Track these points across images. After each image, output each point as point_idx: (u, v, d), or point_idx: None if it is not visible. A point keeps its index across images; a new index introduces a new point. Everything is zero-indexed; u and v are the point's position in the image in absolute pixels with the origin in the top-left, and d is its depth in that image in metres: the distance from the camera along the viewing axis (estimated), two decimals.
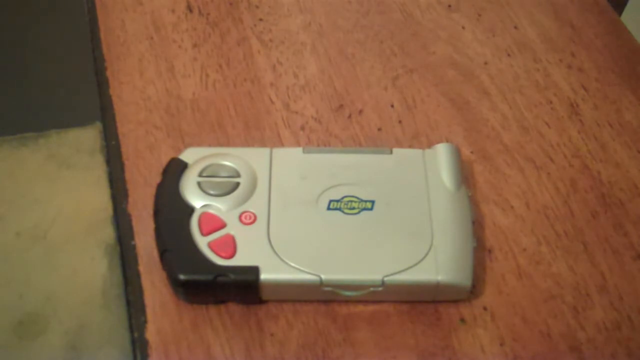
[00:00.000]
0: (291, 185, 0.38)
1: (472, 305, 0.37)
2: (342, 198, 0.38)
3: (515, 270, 0.38)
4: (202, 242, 0.36)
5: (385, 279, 0.35)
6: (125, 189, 0.41)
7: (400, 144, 0.43)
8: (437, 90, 0.46)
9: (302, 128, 0.44)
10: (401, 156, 0.40)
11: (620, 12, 0.70)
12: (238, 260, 0.35)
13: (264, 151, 0.40)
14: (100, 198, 1.10)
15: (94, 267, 1.04)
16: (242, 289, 0.36)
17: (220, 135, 0.44)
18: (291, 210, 0.37)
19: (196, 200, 0.37)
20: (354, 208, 0.37)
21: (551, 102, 0.46)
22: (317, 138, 0.44)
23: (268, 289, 0.36)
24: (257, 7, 0.50)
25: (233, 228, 0.37)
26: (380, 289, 0.35)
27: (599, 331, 0.36)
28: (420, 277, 0.35)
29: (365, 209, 0.37)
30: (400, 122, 0.45)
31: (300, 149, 0.40)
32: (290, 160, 0.39)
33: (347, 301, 0.37)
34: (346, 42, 0.49)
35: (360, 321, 0.37)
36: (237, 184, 0.38)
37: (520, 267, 0.38)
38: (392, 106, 0.45)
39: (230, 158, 0.39)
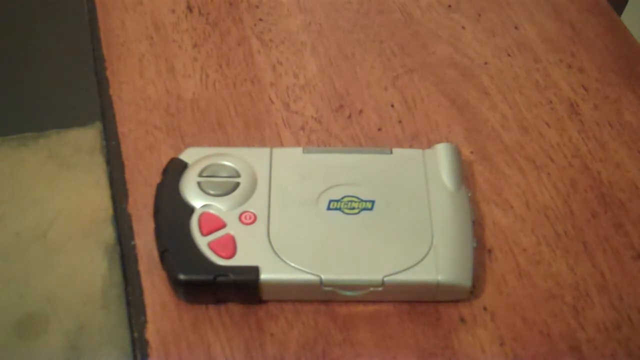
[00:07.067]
0: (291, 185, 0.38)
1: (472, 305, 0.37)
2: (342, 198, 0.38)
3: (515, 270, 0.38)
4: (202, 242, 0.36)
5: (385, 279, 0.35)
6: (125, 189, 0.41)
7: (400, 144, 0.43)
8: (437, 90, 0.46)
9: (302, 128, 0.44)
10: (401, 156, 0.40)
11: (620, 12, 0.70)
12: (238, 260, 0.35)
13: (264, 151, 0.40)
14: (100, 198, 1.10)
15: (94, 267, 1.03)
16: (242, 289, 0.36)
17: (220, 135, 0.44)
18: (291, 210, 0.37)
19: (196, 200, 0.37)
20: (354, 208, 0.37)
21: (551, 102, 0.46)
22: (317, 138, 0.44)
23: (268, 289, 0.36)
24: (257, 7, 0.50)
25: (233, 228, 0.37)
26: (380, 289, 0.35)
27: (599, 331, 0.36)
28: (420, 277, 0.35)
29: (365, 209, 0.37)
30: (400, 122, 0.45)
31: (300, 149, 0.40)
32: (290, 160, 0.39)
33: (347, 301, 0.37)
34: (346, 42, 0.49)
35: (360, 321, 0.37)
36: (237, 184, 0.38)
37: (520, 267, 0.38)
38: (392, 106, 0.45)
39: (230, 158, 0.39)
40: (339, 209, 0.37)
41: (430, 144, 0.42)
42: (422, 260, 0.36)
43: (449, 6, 0.51)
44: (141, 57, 0.47)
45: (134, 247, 0.39)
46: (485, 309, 0.37)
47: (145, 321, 0.36)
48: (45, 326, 0.99)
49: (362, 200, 0.38)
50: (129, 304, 0.37)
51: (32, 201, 1.11)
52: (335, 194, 0.38)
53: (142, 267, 0.38)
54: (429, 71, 0.47)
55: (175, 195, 0.38)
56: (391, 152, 0.40)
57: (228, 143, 0.43)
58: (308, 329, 0.36)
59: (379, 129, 0.44)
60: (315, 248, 0.36)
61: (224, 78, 0.46)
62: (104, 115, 0.45)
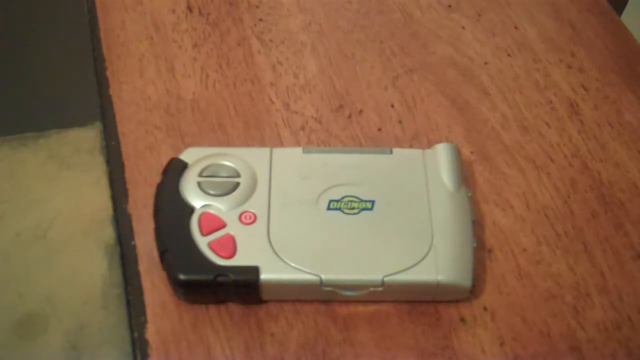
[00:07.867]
0: (291, 185, 0.38)
1: (472, 305, 0.37)
2: (342, 198, 0.38)
3: (515, 270, 0.38)
4: (202, 242, 0.36)
5: (385, 279, 0.35)
6: (125, 189, 0.41)
7: (400, 144, 0.43)
8: (437, 90, 0.46)
9: (302, 128, 0.44)
10: (401, 156, 0.40)
11: (620, 12, 0.70)
12: (238, 260, 0.35)
13: (264, 151, 0.40)
14: (100, 198, 1.10)
15: (94, 267, 1.03)
16: (242, 289, 0.36)
17: (220, 135, 0.44)
18: (291, 210, 0.37)
19: (196, 200, 0.37)
20: (354, 208, 0.37)
21: (551, 102, 0.46)
22: (317, 138, 0.44)
23: (268, 289, 0.36)
24: (257, 7, 0.50)
25: (233, 228, 0.37)
26: (380, 289, 0.35)
27: (599, 331, 0.36)
28: (420, 277, 0.35)
29: (365, 209, 0.37)
30: (400, 122, 0.45)
31: (300, 149, 0.40)
32: (290, 160, 0.39)
33: (347, 301, 0.37)
34: (346, 42, 0.49)
35: (360, 321, 0.37)
36: (237, 184, 0.38)
37: (520, 267, 0.39)
38: (392, 106, 0.45)
39: (230, 158, 0.39)
40: (339, 209, 0.37)
41: (430, 144, 0.42)
42: (422, 260, 0.36)
43: (449, 6, 0.51)
44: (141, 57, 0.47)
45: (134, 247, 0.39)
46: (485, 309, 0.37)
47: (145, 321, 0.36)
48: (45, 326, 0.99)
49: (362, 200, 0.38)
50: (129, 304, 0.37)
51: (32, 201, 1.11)
52: (335, 194, 0.38)
53: (142, 267, 0.38)
54: (429, 71, 0.47)
55: (175, 195, 0.38)
56: (391, 152, 0.40)
57: (228, 143, 0.43)
58: (308, 329, 0.36)
59: (379, 129, 0.44)
60: (315, 248, 0.36)
61: (224, 78, 0.46)
62: (104, 115, 0.45)
